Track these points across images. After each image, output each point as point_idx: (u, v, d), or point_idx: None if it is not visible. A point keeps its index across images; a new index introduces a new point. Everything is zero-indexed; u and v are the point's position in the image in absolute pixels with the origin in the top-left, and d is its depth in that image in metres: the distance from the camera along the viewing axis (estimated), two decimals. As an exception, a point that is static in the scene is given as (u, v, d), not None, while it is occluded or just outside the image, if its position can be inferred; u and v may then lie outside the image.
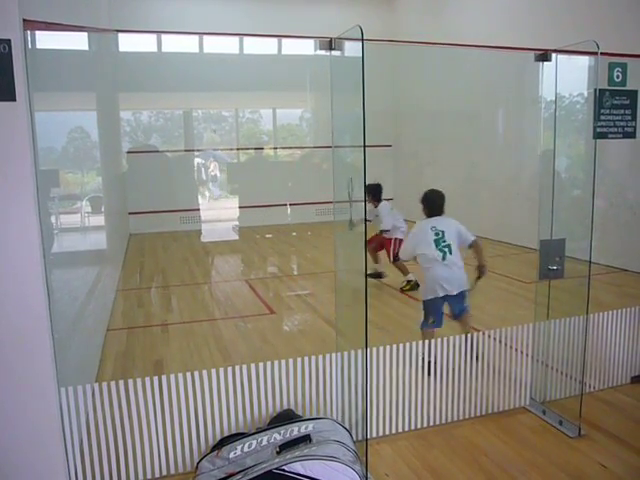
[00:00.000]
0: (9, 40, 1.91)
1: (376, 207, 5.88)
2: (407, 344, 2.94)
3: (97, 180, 5.60)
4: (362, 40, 2.27)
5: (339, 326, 3.02)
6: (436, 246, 3.57)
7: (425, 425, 3.01)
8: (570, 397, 3.09)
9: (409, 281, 5.84)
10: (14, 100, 1.95)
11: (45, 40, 2.64)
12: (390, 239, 5.87)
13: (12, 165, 2.01)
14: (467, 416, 3.09)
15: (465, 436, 2.91)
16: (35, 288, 2.10)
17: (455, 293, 3.55)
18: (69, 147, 4.20)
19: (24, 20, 1.96)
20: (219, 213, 11.17)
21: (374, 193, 5.81)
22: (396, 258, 5.73)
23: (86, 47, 4.75)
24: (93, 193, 5.20)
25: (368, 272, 5.75)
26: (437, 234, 3.59)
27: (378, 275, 6.17)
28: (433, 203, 3.75)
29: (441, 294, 3.55)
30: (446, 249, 3.56)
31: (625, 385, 3.46)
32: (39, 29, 2.12)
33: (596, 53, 2.75)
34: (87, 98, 5.04)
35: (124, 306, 5.61)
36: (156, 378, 2.54)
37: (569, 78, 3.21)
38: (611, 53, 3.16)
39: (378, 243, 5.98)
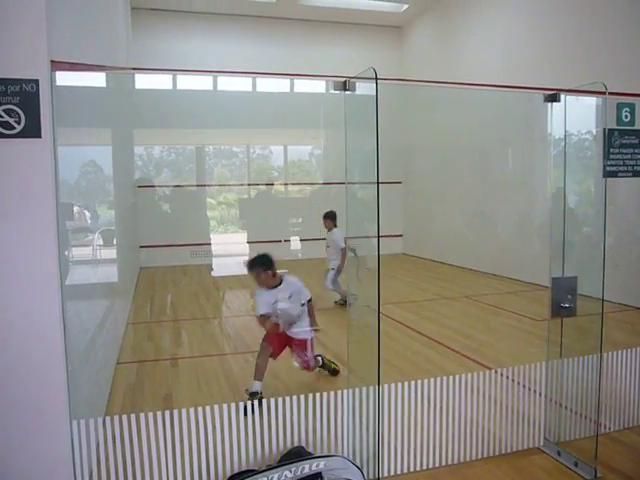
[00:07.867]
0: (37, 80, 1.99)
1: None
2: (419, 381, 2.92)
3: (110, 213, 5.68)
4: (376, 80, 2.34)
5: (350, 362, 3.01)
6: None
7: (437, 465, 2.96)
8: (585, 438, 3.03)
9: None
10: (39, 137, 2.01)
11: (67, 78, 2.72)
12: None
13: (36, 199, 2.07)
14: (480, 456, 3.03)
15: (478, 477, 2.85)
16: (52, 321, 2.13)
17: None
18: (81, 180, 4.28)
19: (52, 61, 2.04)
20: (229, 248, 11.21)
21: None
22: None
23: (104, 84, 4.89)
24: (104, 226, 5.25)
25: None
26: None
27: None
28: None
29: None
30: None
31: (641, 426, 3.40)
32: (64, 69, 2.19)
33: (604, 93, 2.80)
34: (103, 133, 5.16)
35: (134, 339, 5.60)
36: (167, 412, 2.53)
37: (577, 117, 3.26)
38: (619, 93, 3.22)
39: None
